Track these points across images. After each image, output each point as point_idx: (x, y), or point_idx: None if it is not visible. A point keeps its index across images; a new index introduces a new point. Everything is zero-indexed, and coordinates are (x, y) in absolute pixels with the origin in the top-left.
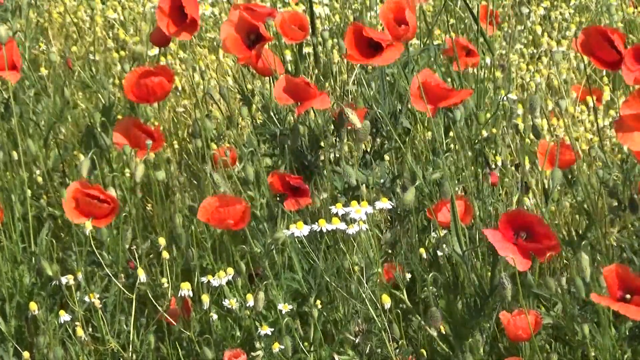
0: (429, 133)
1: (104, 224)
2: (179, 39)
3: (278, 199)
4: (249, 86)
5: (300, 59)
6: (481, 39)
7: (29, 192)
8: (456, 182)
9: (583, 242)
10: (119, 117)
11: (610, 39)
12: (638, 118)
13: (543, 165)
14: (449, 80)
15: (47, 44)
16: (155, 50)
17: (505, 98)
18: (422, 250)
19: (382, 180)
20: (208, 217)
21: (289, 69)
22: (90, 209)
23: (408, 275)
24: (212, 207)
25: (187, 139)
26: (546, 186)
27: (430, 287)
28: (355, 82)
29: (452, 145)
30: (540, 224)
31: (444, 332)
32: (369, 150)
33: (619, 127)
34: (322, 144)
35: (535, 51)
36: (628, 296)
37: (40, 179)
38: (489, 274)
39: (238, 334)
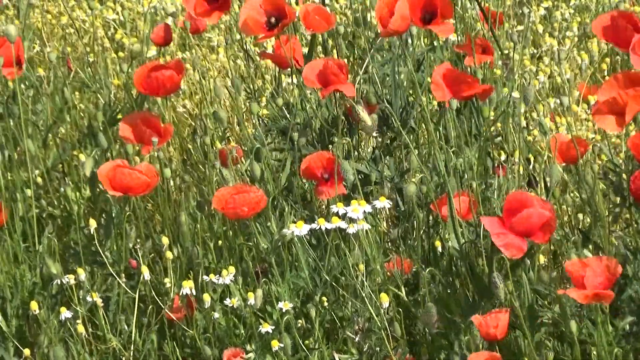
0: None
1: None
2: (209, 20)
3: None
4: (254, 85)
5: (310, 52)
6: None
7: (29, 192)
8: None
9: (573, 239)
10: (120, 116)
11: (635, 24)
12: (609, 104)
13: (555, 159)
14: None
15: (42, 45)
16: (152, 51)
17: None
18: (426, 245)
19: (391, 176)
20: (222, 206)
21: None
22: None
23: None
24: (226, 195)
25: (188, 139)
26: (547, 183)
27: (428, 283)
28: (362, 81)
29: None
30: (540, 201)
31: (443, 329)
32: (378, 145)
33: (596, 111)
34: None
35: (535, 51)
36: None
37: (40, 179)
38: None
39: (242, 331)
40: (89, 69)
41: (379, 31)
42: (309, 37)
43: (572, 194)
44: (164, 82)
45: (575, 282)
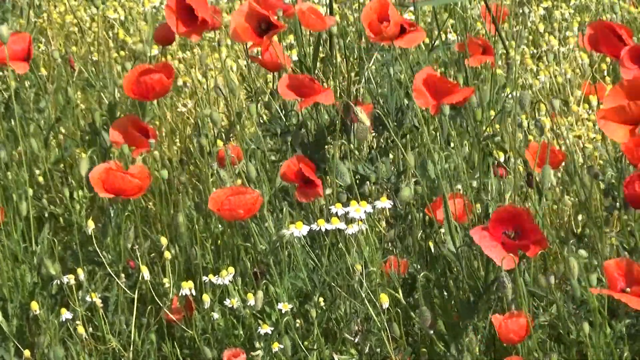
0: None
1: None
2: (190, 39)
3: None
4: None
5: (317, 51)
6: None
7: (30, 191)
8: (459, 178)
9: (571, 241)
10: (121, 116)
11: (618, 34)
12: (617, 112)
13: (534, 165)
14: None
15: (47, 44)
16: (155, 51)
17: (509, 96)
18: (424, 247)
19: (387, 177)
20: (218, 208)
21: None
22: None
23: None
24: (222, 197)
25: (189, 139)
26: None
27: (423, 286)
28: (359, 80)
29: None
30: (529, 217)
31: (440, 331)
32: (374, 146)
33: (602, 118)
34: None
35: (535, 51)
36: (628, 289)
37: (41, 179)
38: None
39: (240, 332)
40: (92, 68)
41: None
42: (312, 39)
43: (568, 196)
44: (153, 86)
45: (610, 283)
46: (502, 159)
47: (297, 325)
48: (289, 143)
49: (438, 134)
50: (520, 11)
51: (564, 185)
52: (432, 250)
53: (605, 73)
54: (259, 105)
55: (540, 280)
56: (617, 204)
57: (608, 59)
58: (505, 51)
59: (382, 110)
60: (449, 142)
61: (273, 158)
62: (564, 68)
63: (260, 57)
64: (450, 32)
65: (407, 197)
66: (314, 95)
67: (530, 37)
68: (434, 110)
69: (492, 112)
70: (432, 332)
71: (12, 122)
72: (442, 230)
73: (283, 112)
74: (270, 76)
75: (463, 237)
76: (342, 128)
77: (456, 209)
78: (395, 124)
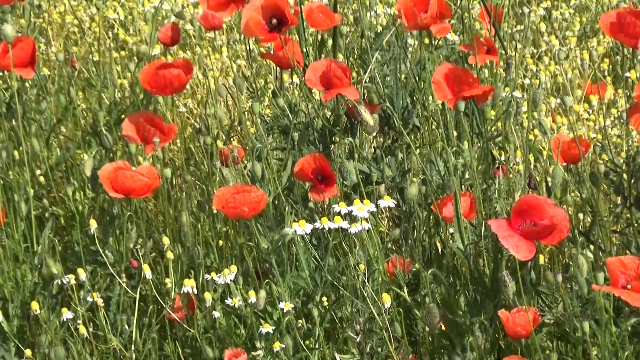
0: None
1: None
2: (223, 14)
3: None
4: (256, 84)
5: (320, 49)
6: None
7: (31, 191)
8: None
9: (580, 239)
10: (123, 116)
11: None
12: None
13: (557, 159)
14: None
15: (47, 44)
16: (156, 50)
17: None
18: (428, 245)
19: (392, 176)
20: (223, 206)
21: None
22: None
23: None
24: (227, 195)
25: (190, 139)
26: (549, 184)
27: (430, 284)
28: (364, 81)
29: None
30: (548, 203)
31: (444, 329)
32: (380, 145)
33: (633, 110)
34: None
35: (535, 51)
36: (629, 286)
37: (42, 179)
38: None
39: (242, 331)
40: (93, 68)
41: (379, 30)
42: (314, 36)
43: (572, 194)
44: (172, 81)
45: (612, 280)
46: (502, 159)
47: (300, 324)
48: (295, 141)
49: (449, 130)
50: (520, 11)
51: (565, 183)
52: (439, 249)
53: (606, 72)
54: (264, 103)
55: (548, 277)
56: (628, 202)
57: (607, 60)
58: (504, 51)
59: (388, 109)
60: (450, 140)
61: (280, 156)
62: (563, 68)
63: (267, 53)
64: (449, 33)
65: (414, 194)
66: (341, 87)
67: (531, 37)
68: (452, 104)
69: (493, 112)
70: (437, 330)
71: (14, 122)
72: (449, 228)
73: (288, 110)
74: (271, 76)
75: (470, 234)
76: (348, 127)
77: (463, 206)
78: (402, 123)
